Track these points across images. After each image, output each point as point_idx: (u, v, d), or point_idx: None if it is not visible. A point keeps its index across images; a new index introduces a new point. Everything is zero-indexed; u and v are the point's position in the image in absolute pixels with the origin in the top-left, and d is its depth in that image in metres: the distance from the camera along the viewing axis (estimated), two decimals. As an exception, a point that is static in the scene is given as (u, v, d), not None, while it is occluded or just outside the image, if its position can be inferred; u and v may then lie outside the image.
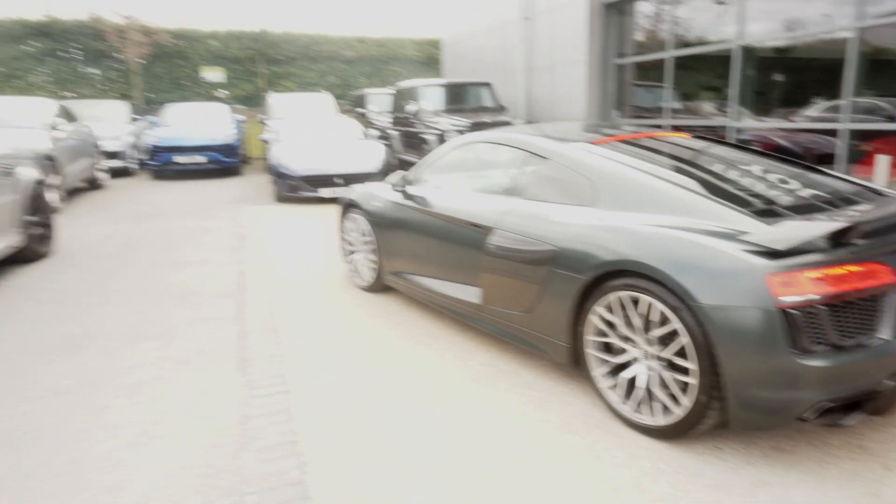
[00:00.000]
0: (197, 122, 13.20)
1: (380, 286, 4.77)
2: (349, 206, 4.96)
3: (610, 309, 2.80)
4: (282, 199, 9.41)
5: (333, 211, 8.46)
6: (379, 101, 15.78)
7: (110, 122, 13.23)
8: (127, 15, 19.16)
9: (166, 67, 20.77)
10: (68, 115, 10.74)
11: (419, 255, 4.14)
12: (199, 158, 12.43)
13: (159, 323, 4.28)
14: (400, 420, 2.89)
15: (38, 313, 4.52)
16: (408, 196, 4.28)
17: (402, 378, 3.35)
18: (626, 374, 2.79)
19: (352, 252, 5.01)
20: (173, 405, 3.08)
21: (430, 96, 11.85)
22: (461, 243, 3.68)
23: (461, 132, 10.11)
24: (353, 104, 17.94)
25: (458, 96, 12.54)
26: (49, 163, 8.77)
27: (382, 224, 4.50)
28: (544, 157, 3.43)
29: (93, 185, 11.15)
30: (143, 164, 13.54)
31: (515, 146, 3.69)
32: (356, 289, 4.97)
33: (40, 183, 6.23)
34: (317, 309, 4.52)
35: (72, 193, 10.33)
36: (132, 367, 3.56)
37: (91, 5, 19.56)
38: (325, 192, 9.04)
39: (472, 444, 2.67)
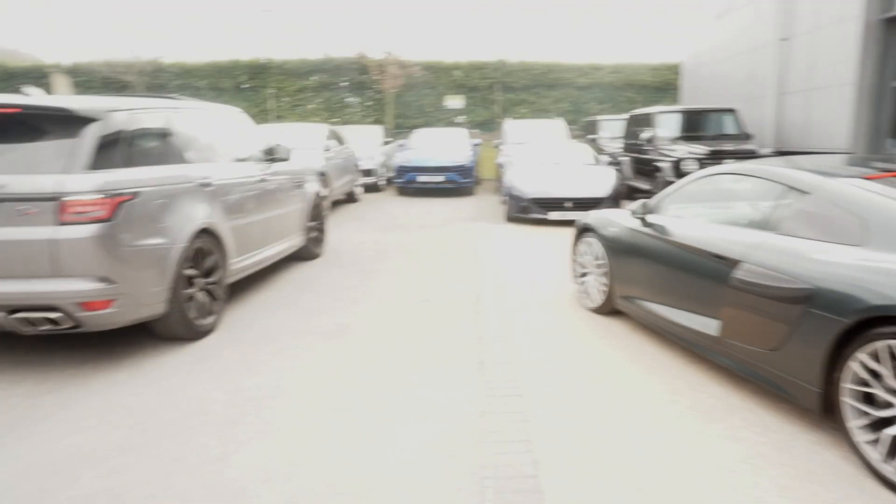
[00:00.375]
0: (439, 146, 14.47)
1: (608, 309, 4.85)
2: (584, 230, 5.13)
3: (875, 357, 2.58)
4: (512, 219, 9.91)
5: (561, 233, 8.70)
6: (611, 127, 15.73)
7: (367, 144, 15.10)
8: (387, 51, 21.65)
9: (415, 96, 23.01)
10: (337, 138, 12.57)
11: (654, 283, 4.15)
12: (438, 178, 13.60)
13: (409, 321, 4.87)
14: (627, 438, 2.97)
15: (316, 302, 5.43)
16: (647, 223, 4.32)
17: (628, 399, 3.40)
18: (891, 431, 2.54)
19: (583, 274, 5.16)
20: (424, 393, 3.53)
21: (666, 123, 11.55)
22: (701, 274, 3.63)
23: (699, 160, 9.69)
24: (584, 130, 18.10)
25: (696, 123, 12.02)
26: (322, 178, 10.36)
27: (617, 249, 4.59)
28: (805, 192, 3.26)
29: (351, 198, 12.84)
30: (389, 181, 15.22)
31: (770, 179, 3.55)
32: (584, 309, 5.11)
33: (320, 195, 7.42)
34: (546, 323, 4.75)
35: (335, 204, 12.01)
36: (389, 355, 4.13)
37: (359, 44, 22.46)
38: (554, 215, 9.32)
39: (704, 477, 2.65)
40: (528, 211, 9.51)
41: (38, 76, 23.58)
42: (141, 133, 4.26)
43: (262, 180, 5.72)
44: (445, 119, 22.96)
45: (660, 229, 4.15)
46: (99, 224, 3.65)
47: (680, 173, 9.72)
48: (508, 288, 5.85)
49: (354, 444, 2.95)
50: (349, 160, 12.66)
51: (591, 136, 16.10)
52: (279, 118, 23.07)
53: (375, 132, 16.35)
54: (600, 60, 23.16)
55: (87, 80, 23.70)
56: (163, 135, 4.54)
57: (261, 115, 23.44)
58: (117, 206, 3.74)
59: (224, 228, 4.82)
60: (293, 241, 6.53)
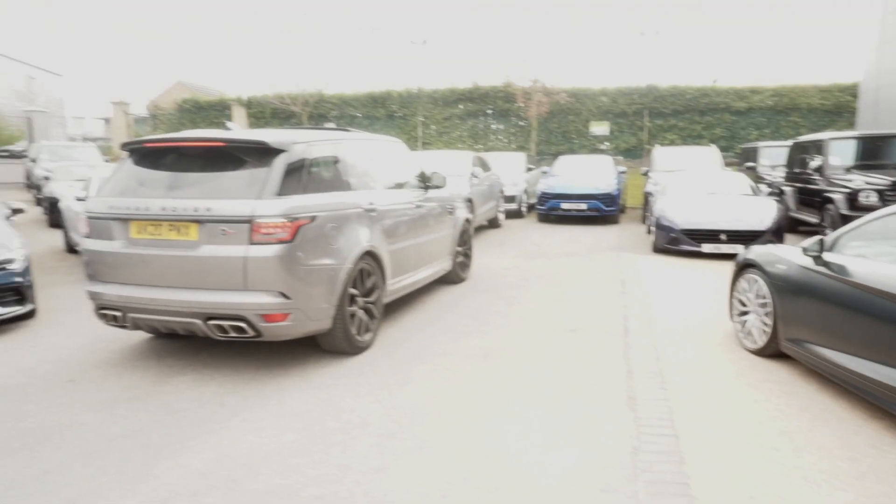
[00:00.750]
0: (583, 173, 14.30)
1: (771, 351, 4.51)
2: (746, 266, 4.84)
3: None
4: (660, 250, 9.53)
5: (713, 267, 8.22)
6: (771, 154, 14.65)
7: (509, 171, 15.30)
8: (534, 79, 21.88)
9: (559, 122, 22.99)
10: (483, 165, 12.88)
11: (830, 327, 3.81)
12: (582, 206, 13.43)
13: (554, 349, 4.86)
14: (799, 496, 2.74)
15: (462, 325, 5.60)
16: (823, 262, 3.99)
17: (798, 452, 3.14)
18: None
19: (743, 312, 4.86)
20: (571, 422, 3.51)
21: (839, 150, 10.54)
22: (891, 321, 3.28)
23: (880, 192, 8.73)
24: (741, 158, 17.01)
25: (876, 151, 10.86)
26: (468, 204, 10.68)
27: (786, 288, 4.27)
28: None
29: (493, 224, 13.05)
30: (531, 208, 15.28)
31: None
32: (742, 350, 4.80)
33: (468, 221, 7.64)
34: (701, 362, 4.52)
35: (478, 230, 12.28)
36: (536, 382, 4.15)
37: (506, 73, 22.91)
38: (708, 248, 8.84)
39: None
40: (679, 242, 9.10)
41: (222, 108, 26.66)
42: (317, 162, 4.65)
43: (418, 206, 6.03)
44: (589, 146, 22.67)
45: (839, 269, 3.81)
46: (282, 245, 4.03)
47: (856, 206, 8.81)
48: (658, 322, 5.64)
49: (506, 468, 3.01)
50: (494, 186, 12.91)
51: (748, 165, 15.08)
52: (425, 145, 24.10)
53: (518, 159, 16.53)
54: (760, 83, 21.69)
55: (260, 111, 26.38)
56: (334, 163, 4.92)
57: (410, 143, 24.64)
58: (297, 228, 4.11)
59: (384, 251, 5.12)
60: (442, 265, 6.80)
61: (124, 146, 4.76)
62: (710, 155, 14.56)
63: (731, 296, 5.06)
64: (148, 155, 4.65)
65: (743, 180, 10.90)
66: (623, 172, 15.14)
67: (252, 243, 4.00)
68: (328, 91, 25.83)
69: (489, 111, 23.88)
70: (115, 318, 4.45)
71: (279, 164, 4.23)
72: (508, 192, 14.42)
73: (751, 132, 21.32)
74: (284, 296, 4.05)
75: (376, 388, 4.09)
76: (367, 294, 4.91)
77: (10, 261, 5.54)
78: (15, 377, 4.38)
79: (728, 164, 15.60)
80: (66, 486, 2.89)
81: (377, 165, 5.64)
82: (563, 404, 3.78)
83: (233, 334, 4.14)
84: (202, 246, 4.09)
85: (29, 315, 5.77)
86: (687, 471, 2.94)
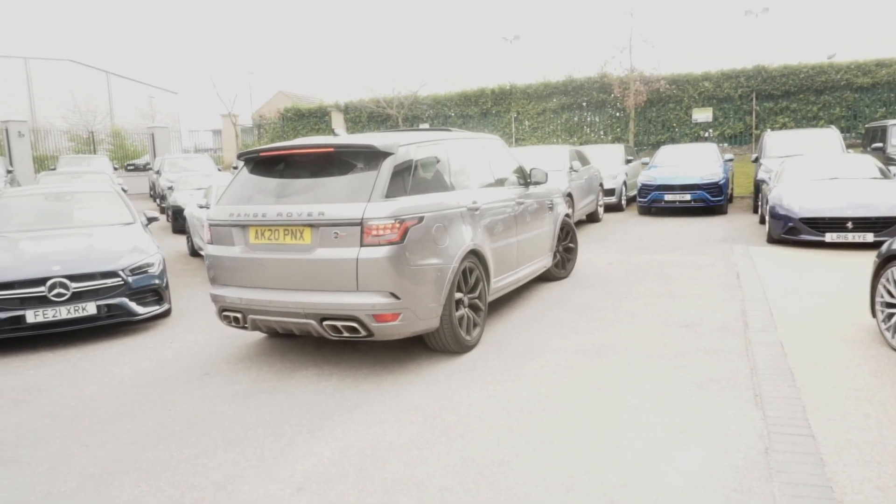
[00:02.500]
0: (686, 163, 13.69)
1: (918, 348, 4.13)
2: (892, 258, 4.45)
3: None
4: (775, 240, 8.96)
5: (839, 258, 7.63)
6: (902, 132, 13.36)
7: (608, 163, 14.91)
8: (632, 67, 21.18)
9: (658, 111, 22.13)
10: (582, 159, 12.64)
11: None
12: (686, 197, 12.86)
13: (669, 346, 4.71)
14: (963, 504, 2.51)
15: (570, 321, 5.54)
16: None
17: (961, 458, 2.87)
18: None
19: (889, 305, 4.48)
20: (696, 420, 3.39)
21: None
22: None
23: None
24: (865, 139, 15.65)
25: None
26: (568, 199, 10.53)
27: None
28: None
29: (592, 218, 12.79)
30: (631, 201, 14.82)
31: None
32: (883, 346, 4.43)
33: (568, 216, 7.53)
34: (836, 360, 4.22)
35: (577, 224, 12.07)
36: (653, 378, 4.05)
37: (601, 63, 22.32)
38: (832, 237, 8.21)
39: None
40: (797, 232, 8.51)
41: (321, 115, 27.79)
42: (422, 163, 4.74)
43: (519, 203, 5.99)
44: (692, 134, 21.69)
45: None
46: (391, 246, 4.11)
47: None
48: (781, 317, 5.31)
49: (629, 464, 2.96)
50: (593, 180, 12.65)
51: (875, 146, 13.85)
52: (519, 141, 23.97)
53: (616, 151, 16.08)
54: (887, 55, 19.83)
55: (357, 115, 27.25)
56: (438, 163, 4.98)
57: (504, 139, 24.63)
58: (406, 230, 4.19)
59: (487, 249, 5.12)
60: (543, 262, 6.71)
61: (240, 156, 4.97)
62: (828, 137, 13.49)
63: (874, 289, 4.67)
64: (262, 163, 4.86)
65: (869, 163, 10.04)
66: (730, 160, 14.35)
67: (363, 245, 4.10)
68: (422, 92, 26.26)
69: (584, 103, 23.38)
70: (236, 319, 4.67)
71: (387, 166, 4.33)
72: (608, 186, 14.08)
73: (877, 110, 19.57)
74: (394, 296, 4.13)
75: (489, 383, 4.13)
76: (472, 293, 4.93)
77: (149, 265, 6.07)
78: (159, 371, 4.81)
79: (849, 146, 14.41)
80: (213, 470, 3.14)
81: (478, 163, 5.67)
82: (685, 401, 3.67)
83: (346, 334, 4.27)
84: (316, 249, 4.23)
85: (165, 314, 6.30)
86: (828, 474, 2.76)
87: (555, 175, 10.86)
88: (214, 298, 4.77)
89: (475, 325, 4.94)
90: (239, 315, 4.60)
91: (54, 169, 18.62)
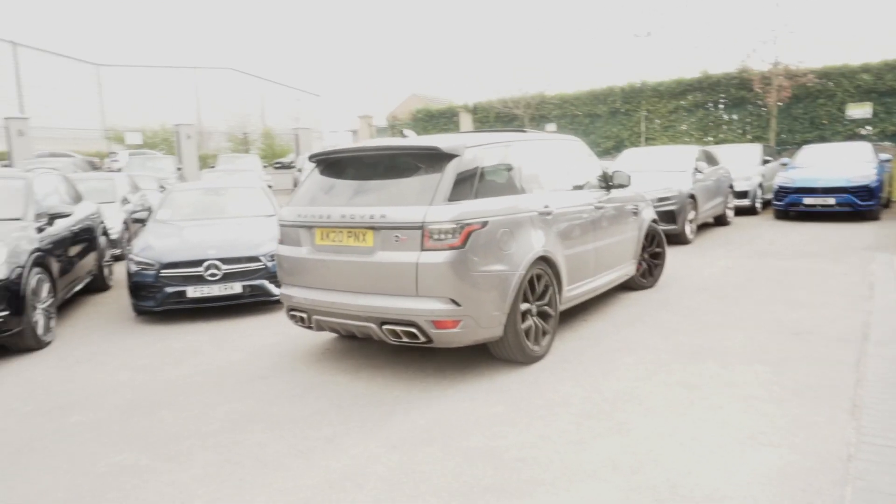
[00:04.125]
0: (832, 163, 12.68)
1: None
2: None
3: None
4: (927, 250, 8.16)
5: None
6: None
7: (742, 164, 14.15)
8: (775, 61, 19.82)
9: (806, 108, 20.51)
10: (710, 159, 12.16)
11: None
12: (829, 201, 11.94)
13: (772, 352, 4.62)
14: None
15: (672, 322, 5.55)
16: None
17: None
18: None
19: None
20: (781, 423, 3.40)
21: None
22: None
23: None
24: None
25: None
26: (690, 201, 10.24)
27: None
28: None
29: (720, 221, 12.25)
30: (767, 204, 13.96)
31: None
32: None
33: (656, 221, 7.00)
34: (956, 377, 3.95)
35: (702, 228, 11.65)
36: (747, 382, 4.04)
37: (741, 57, 21.05)
38: None
39: None
40: (953, 241, 7.70)
41: (451, 116, 28.66)
42: (490, 165, 4.59)
43: (598, 207, 5.67)
44: (845, 132, 19.86)
45: None
46: (452, 251, 3.98)
47: None
48: (909, 330, 4.98)
49: (700, 456, 3.08)
50: (721, 182, 12.13)
51: None
52: (649, 140, 23.27)
53: (752, 151, 15.21)
54: None
55: (484, 116, 27.79)
56: (508, 166, 4.80)
57: (632, 139, 23.98)
58: (468, 234, 4.04)
59: (559, 256, 4.87)
60: (625, 270, 6.34)
61: (311, 157, 4.98)
62: None
63: None
64: (331, 165, 4.85)
65: None
66: (887, 160, 13.07)
67: (423, 249, 4.01)
68: (549, 92, 26.25)
69: (721, 101, 22.18)
70: (301, 319, 4.69)
71: (451, 168, 4.22)
72: (739, 188, 13.39)
73: None
74: (455, 302, 4.01)
75: (580, 374, 4.34)
76: (541, 301, 4.71)
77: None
78: (289, 343, 5.49)
79: None
80: (325, 426, 3.67)
81: (554, 166, 5.45)
82: (775, 405, 3.65)
83: (405, 340, 4.18)
84: (377, 252, 4.17)
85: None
86: (910, 484, 2.71)
87: (677, 176, 10.63)
88: (283, 297, 4.84)
89: (544, 335, 4.72)
90: (304, 315, 4.63)
91: (214, 167, 20.96)
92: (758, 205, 13.89)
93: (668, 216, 9.91)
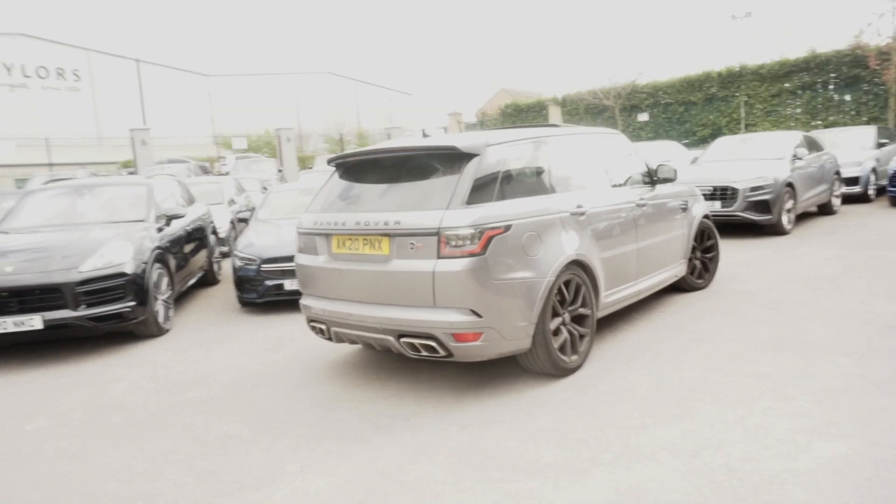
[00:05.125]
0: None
1: None
2: None
3: None
4: None
5: None
6: None
7: (853, 148, 13.22)
8: (893, 35, 18.27)
9: (932, 84, 18.74)
10: (812, 145, 11.49)
11: None
12: (952, 185, 10.96)
13: (859, 345, 4.46)
14: None
15: (753, 313, 5.43)
16: None
17: None
18: None
19: None
20: (855, 416, 3.34)
21: None
22: None
23: None
24: None
25: None
26: (788, 190, 9.78)
27: None
28: None
29: (824, 210, 11.54)
30: (881, 191, 12.97)
31: None
32: None
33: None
34: None
35: (802, 217, 11.05)
36: (821, 373, 3.96)
37: (853, 32, 19.54)
38: None
39: None
40: None
41: (539, 109, 28.53)
42: (515, 164, 4.31)
43: (640, 205, 5.26)
44: (979, 109, 17.98)
45: None
46: (471, 258, 3.70)
47: None
48: None
49: (764, 444, 3.11)
50: (825, 168, 11.42)
51: None
52: (749, 127, 22.14)
53: (866, 134, 14.15)
54: None
55: (574, 108, 27.45)
56: (536, 164, 4.48)
57: (731, 125, 22.88)
58: (488, 240, 3.75)
59: (595, 260, 4.54)
60: (673, 271, 5.88)
61: (330, 161, 4.78)
62: None
63: None
64: (349, 169, 4.64)
65: None
66: None
67: (440, 257, 3.75)
68: (641, 81, 25.52)
69: (831, 81, 20.69)
70: (321, 330, 4.51)
71: (470, 169, 3.95)
72: (848, 174, 12.54)
73: None
74: (476, 314, 3.74)
75: (650, 364, 4.40)
76: (575, 309, 4.38)
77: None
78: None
79: None
80: (403, 407, 3.98)
81: (589, 162, 5.10)
82: (854, 398, 3.58)
83: (424, 353, 3.94)
84: (393, 261, 3.94)
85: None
86: None
87: (773, 164, 10.15)
88: (303, 308, 4.64)
89: (577, 346, 4.37)
90: (323, 327, 4.45)
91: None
92: (871, 192, 12.94)
93: (763, 206, 9.52)
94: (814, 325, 4.99)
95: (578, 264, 4.37)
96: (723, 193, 9.71)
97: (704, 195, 9.91)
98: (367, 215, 4.11)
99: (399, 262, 3.91)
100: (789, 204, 9.96)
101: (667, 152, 15.53)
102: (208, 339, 6.08)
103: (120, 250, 5.95)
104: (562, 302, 4.25)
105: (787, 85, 21.60)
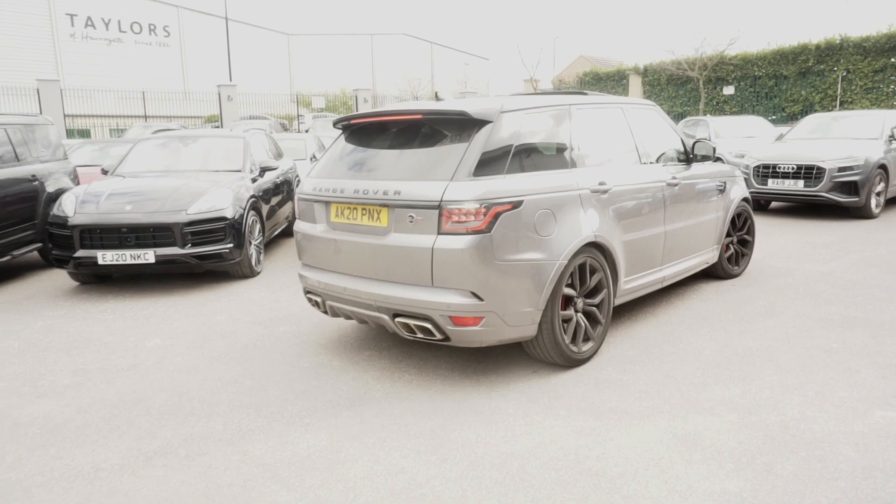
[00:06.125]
0: None
1: None
2: None
3: None
4: None
5: None
6: None
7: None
8: None
9: None
10: (909, 125, 10.89)
11: None
12: None
13: (935, 328, 4.45)
14: None
15: (827, 293, 5.43)
16: None
17: None
18: None
19: None
20: (918, 391, 3.43)
21: None
22: None
23: None
24: None
25: None
26: (880, 172, 9.40)
27: None
28: None
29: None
30: None
31: None
32: None
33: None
34: None
35: (892, 202, 10.59)
36: (890, 352, 4.02)
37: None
38: None
39: None
40: None
41: (619, 79, 27.88)
42: (532, 134, 3.93)
43: (672, 184, 4.86)
44: None
45: None
46: (474, 235, 3.40)
47: None
48: None
49: (820, 407, 3.27)
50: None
51: None
52: (845, 105, 20.96)
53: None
54: None
55: (655, 78, 26.64)
56: (556, 135, 4.11)
57: (825, 103, 21.71)
58: (495, 216, 3.45)
59: (616, 242, 4.20)
60: (704, 257, 5.52)
61: (335, 123, 4.45)
62: None
63: None
64: (355, 132, 4.33)
65: None
66: None
67: (441, 233, 3.46)
68: (730, 51, 24.45)
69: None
70: (316, 303, 4.32)
71: (480, 138, 3.62)
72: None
73: None
74: (476, 296, 3.46)
75: (716, 331, 4.55)
76: (589, 295, 4.09)
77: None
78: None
79: None
80: (478, 351, 4.31)
81: (618, 136, 4.67)
82: (918, 375, 3.65)
83: (420, 335, 3.71)
84: (391, 234, 3.67)
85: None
86: None
87: (866, 144, 9.75)
88: (300, 278, 4.44)
89: (590, 336, 4.08)
90: (319, 299, 4.25)
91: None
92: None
93: (850, 187, 9.22)
94: (889, 307, 4.98)
95: (596, 246, 4.05)
96: (807, 172, 9.45)
97: (786, 174, 9.73)
98: (366, 183, 3.84)
99: (397, 235, 3.63)
100: (880, 187, 9.59)
101: (751, 127, 15.06)
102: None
103: (221, 196, 6.51)
104: (575, 287, 3.95)
105: (893, 60, 20.24)
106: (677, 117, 24.01)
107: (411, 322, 3.64)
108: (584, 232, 3.89)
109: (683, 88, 25.56)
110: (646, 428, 3.14)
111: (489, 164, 3.58)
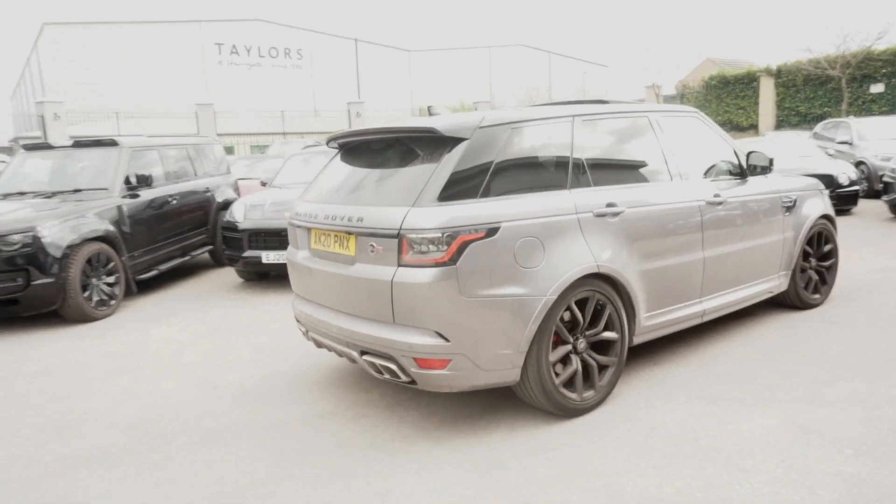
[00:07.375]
0: None
1: None
2: None
3: None
4: None
5: None
6: None
7: None
8: None
9: None
10: None
11: None
12: None
13: None
14: None
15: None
16: None
17: None
18: None
19: None
20: None
21: None
22: None
23: None
24: None
25: None
26: None
27: None
28: None
29: None
30: None
31: None
32: None
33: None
34: None
35: None
36: None
37: None
38: None
39: None
40: None
41: (749, 81, 26.58)
42: (519, 150, 3.45)
43: (714, 203, 4.21)
44: None
45: None
46: (436, 268, 3.02)
47: None
48: None
49: (861, 402, 3.38)
50: None
51: None
52: None
53: None
54: None
55: (790, 79, 25.11)
56: (551, 151, 3.60)
57: None
58: (461, 246, 3.05)
59: (631, 273, 3.64)
60: (764, 286, 4.77)
61: (329, 142, 4.22)
62: None
63: None
64: (344, 152, 4.06)
65: None
66: None
67: (401, 265, 3.10)
68: (878, 46, 22.56)
69: None
70: (304, 332, 4.03)
71: (450, 157, 3.23)
72: None
73: None
74: (441, 336, 3.08)
75: (845, 334, 4.55)
76: (593, 334, 3.55)
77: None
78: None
79: None
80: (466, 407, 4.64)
81: (640, 149, 4.08)
82: None
83: (387, 376, 3.34)
84: (356, 264, 3.34)
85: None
86: None
87: None
88: (292, 306, 4.19)
89: (603, 372, 3.58)
90: (303, 329, 4.00)
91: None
92: None
93: None
94: None
95: (602, 278, 3.52)
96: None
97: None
98: (337, 208, 3.56)
99: (361, 266, 3.31)
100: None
101: (898, 128, 13.96)
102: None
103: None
104: (574, 325, 3.47)
105: None
106: (816, 119, 22.48)
107: (377, 361, 3.30)
108: (584, 262, 3.39)
109: (823, 89, 23.87)
110: (765, 415, 3.34)
111: (460, 186, 3.18)
